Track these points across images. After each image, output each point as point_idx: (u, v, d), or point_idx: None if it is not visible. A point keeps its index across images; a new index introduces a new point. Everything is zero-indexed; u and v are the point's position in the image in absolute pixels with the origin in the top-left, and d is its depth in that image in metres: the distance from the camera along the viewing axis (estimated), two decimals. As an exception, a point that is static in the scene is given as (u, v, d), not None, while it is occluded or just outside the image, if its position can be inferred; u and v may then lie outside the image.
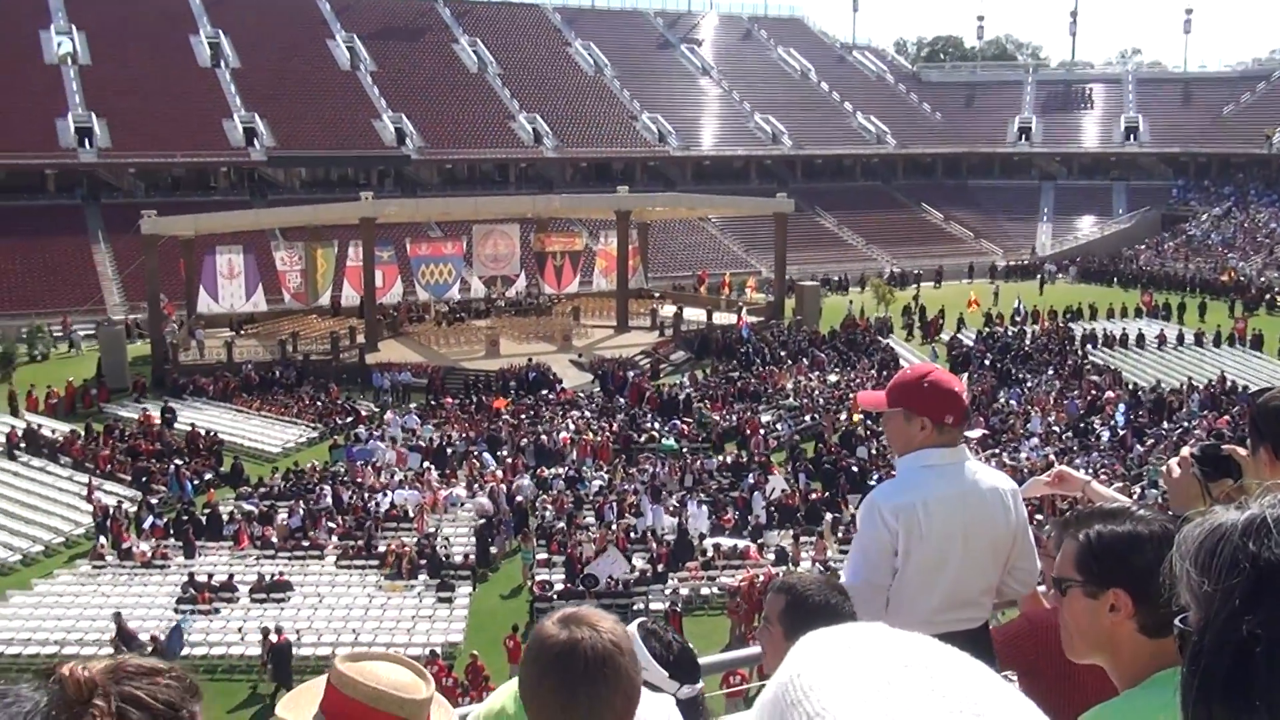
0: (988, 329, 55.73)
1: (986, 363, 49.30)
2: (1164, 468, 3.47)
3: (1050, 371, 47.83)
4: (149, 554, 29.24)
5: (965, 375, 44.53)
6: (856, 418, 39.54)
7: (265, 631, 23.55)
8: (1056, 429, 39.12)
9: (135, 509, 32.28)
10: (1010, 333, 54.99)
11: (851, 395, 42.55)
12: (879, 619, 3.97)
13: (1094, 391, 43.63)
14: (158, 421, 40.31)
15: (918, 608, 3.96)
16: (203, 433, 39.13)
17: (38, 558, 30.37)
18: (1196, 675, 1.14)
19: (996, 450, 35.70)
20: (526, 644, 2.40)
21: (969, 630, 4.02)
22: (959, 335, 55.17)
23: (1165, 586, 1.45)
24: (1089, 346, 52.57)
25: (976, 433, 35.34)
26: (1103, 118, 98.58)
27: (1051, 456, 33.64)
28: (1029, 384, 45.81)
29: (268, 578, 27.30)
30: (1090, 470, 28.28)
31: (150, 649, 22.47)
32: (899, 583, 4.01)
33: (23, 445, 38.18)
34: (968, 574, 4.03)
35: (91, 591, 27.58)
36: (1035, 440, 37.50)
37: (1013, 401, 42.95)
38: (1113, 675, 2.30)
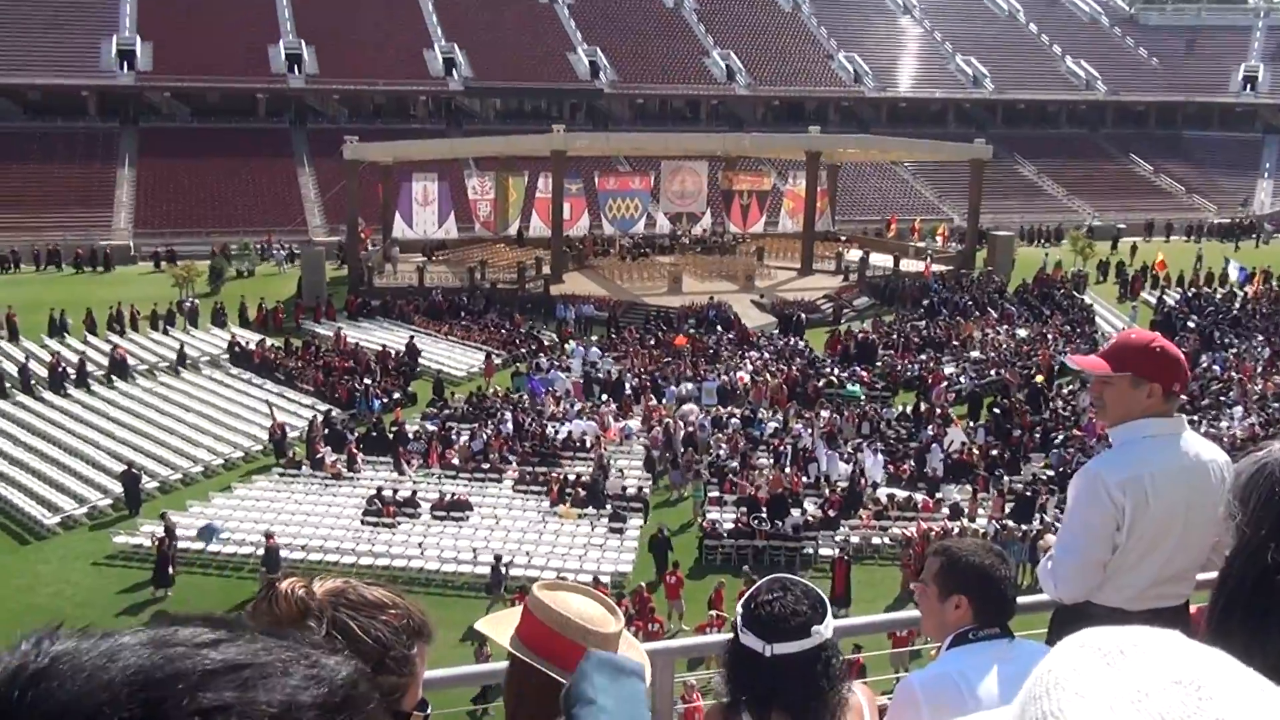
0: (1194, 290, 52.83)
1: (1190, 325, 46.77)
2: None
3: (1260, 337, 45.05)
4: (339, 466, 30.66)
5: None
6: (1039, 379, 38.13)
7: (267, 535, 24.98)
8: (1264, 397, 36.87)
9: (326, 422, 33.73)
10: (1219, 294, 51.95)
11: (1040, 351, 41.11)
12: (1092, 596, 3.79)
13: (1307, 360, 40.97)
14: (352, 341, 42.06)
15: (1131, 583, 3.78)
16: (392, 353, 40.62)
17: (238, 463, 32.19)
18: (1222, 596, 1.19)
19: (1196, 418, 33.93)
20: None
21: (1171, 608, 3.80)
22: (1163, 295, 52.47)
23: None
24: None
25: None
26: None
27: (1257, 428, 31.82)
28: (1235, 350, 43.26)
29: (448, 496, 28.24)
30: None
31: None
32: (1117, 557, 3.80)
33: (228, 357, 40.45)
34: (1183, 550, 3.81)
35: (285, 498, 29.12)
36: (1239, 409, 35.48)
37: (1216, 367, 40.69)
38: None
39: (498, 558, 24.14)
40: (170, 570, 24.08)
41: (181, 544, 25.35)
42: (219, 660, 0.83)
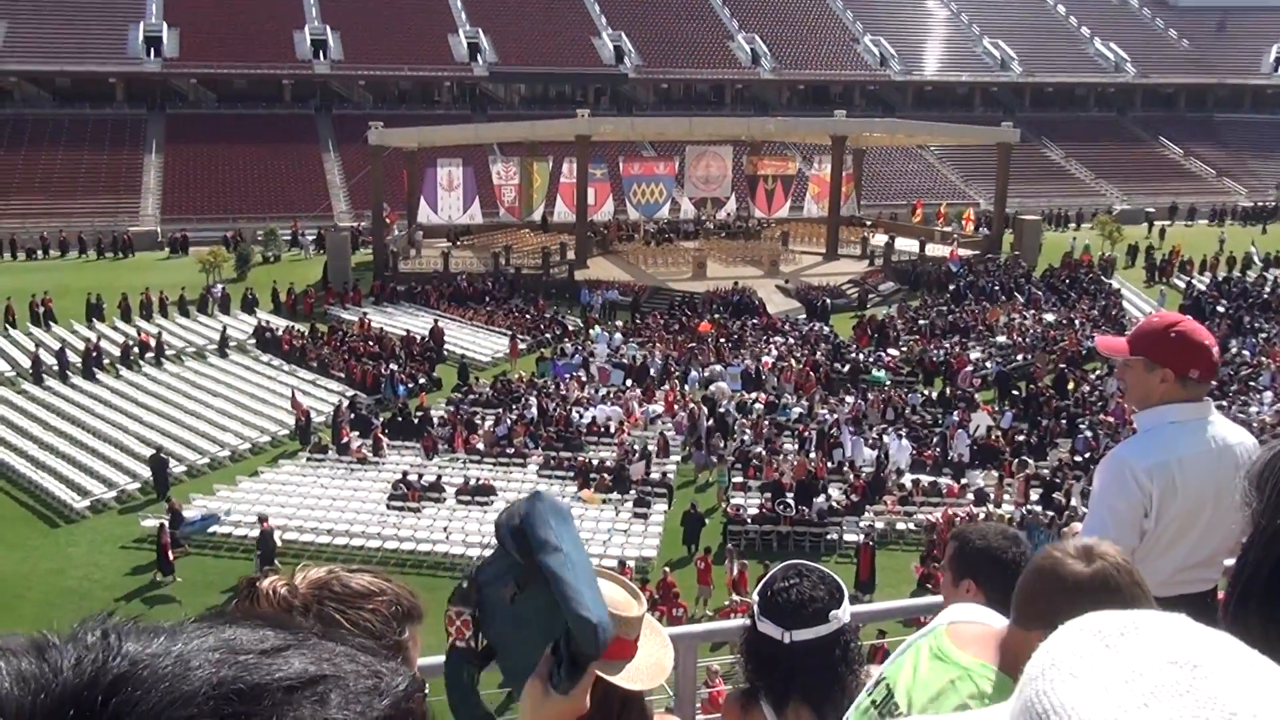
0: (1224, 274, 52.38)
1: (1220, 309, 46.35)
2: None
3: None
4: (365, 451, 30.81)
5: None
6: (1077, 372, 37.82)
7: (261, 518, 24.86)
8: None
9: (351, 407, 33.87)
10: (1250, 279, 51.47)
11: (1067, 336, 40.85)
12: None
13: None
14: (377, 327, 42.23)
15: (1159, 569, 3.76)
16: (417, 338, 40.74)
17: (265, 447, 32.40)
18: (1238, 586, 1.19)
19: (1225, 403, 33.65)
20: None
21: (1198, 594, 3.78)
22: (1192, 280, 52.01)
23: None
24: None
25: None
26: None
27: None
28: (1265, 334, 42.86)
29: (473, 481, 28.34)
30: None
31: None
32: (1145, 544, 3.77)
33: (254, 342, 40.69)
34: (1211, 535, 3.78)
35: (311, 482, 29.29)
36: (1269, 394, 35.18)
37: (1245, 352, 40.35)
38: None
39: None
40: (170, 556, 24.05)
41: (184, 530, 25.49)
42: (294, 673, 0.82)
